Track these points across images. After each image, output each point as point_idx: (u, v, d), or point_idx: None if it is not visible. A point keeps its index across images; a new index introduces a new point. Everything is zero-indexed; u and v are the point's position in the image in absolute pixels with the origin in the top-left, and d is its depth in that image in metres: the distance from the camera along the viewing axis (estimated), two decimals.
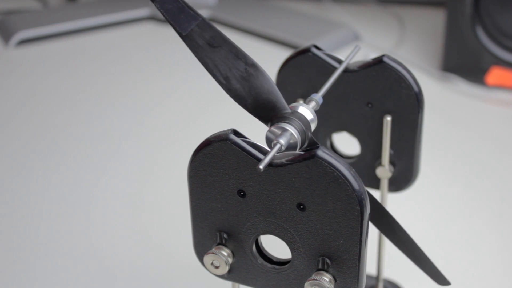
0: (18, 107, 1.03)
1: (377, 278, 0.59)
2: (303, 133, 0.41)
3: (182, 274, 0.67)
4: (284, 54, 1.11)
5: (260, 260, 0.43)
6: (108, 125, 0.97)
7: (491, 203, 0.78)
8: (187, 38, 0.41)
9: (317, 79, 0.51)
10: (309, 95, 0.45)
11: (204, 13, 1.30)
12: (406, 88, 0.50)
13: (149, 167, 0.86)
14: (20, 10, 1.37)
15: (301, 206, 0.40)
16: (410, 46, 1.18)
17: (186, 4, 0.41)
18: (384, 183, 0.55)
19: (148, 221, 0.76)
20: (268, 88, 0.41)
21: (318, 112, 0.45)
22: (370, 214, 0.40)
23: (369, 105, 0.52)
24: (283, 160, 0.39)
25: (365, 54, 1.10)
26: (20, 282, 0.67)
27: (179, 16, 0.41)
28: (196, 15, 0.41)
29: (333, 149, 0.56)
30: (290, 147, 0.40)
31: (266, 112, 0.42)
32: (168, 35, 1.27)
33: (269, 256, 0.43)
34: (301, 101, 0.53)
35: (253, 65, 0.41)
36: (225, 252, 0.43)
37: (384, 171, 0.53)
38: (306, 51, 0.52)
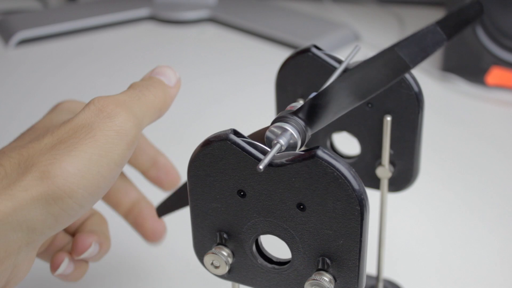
0: (18, 107, 1.03)
1: (377, 278, 0.59)
2: (303, 133, 0.41)
3: (182, 274, 0.67)
4: (284, 54, 1.11)
5: (260, 260, 0.43)
6: None
7: (491, 203, 0.78)
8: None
9: (317, 79, 0.51)
10: (309, 95, 0.45)
11: (204, 13, 1.30)
12: (406, 88, 0.50)
13: None
14: (20, 10, 1.37)
15: (301, 206, 0.39)
16: None
17: None
18: (384, 183, 0.54)
19: None
20: None
21: None
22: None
23: (369, 105, 0.52)
24: (283, 160, 0.39)
25: (365, 54, 1.10)
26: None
27: None
28: None
29: (333, 149, 0.56)
30: (290, 147, 0.40)
31: None
32: (168, 35, 1.27)
33: (269, 256, 0.43)
34: (301, 101, 0.53)
35: None
36: (225, 252, 0.43)
37: (384, 171, 0.53)
38: (306, 51, 0.52)
